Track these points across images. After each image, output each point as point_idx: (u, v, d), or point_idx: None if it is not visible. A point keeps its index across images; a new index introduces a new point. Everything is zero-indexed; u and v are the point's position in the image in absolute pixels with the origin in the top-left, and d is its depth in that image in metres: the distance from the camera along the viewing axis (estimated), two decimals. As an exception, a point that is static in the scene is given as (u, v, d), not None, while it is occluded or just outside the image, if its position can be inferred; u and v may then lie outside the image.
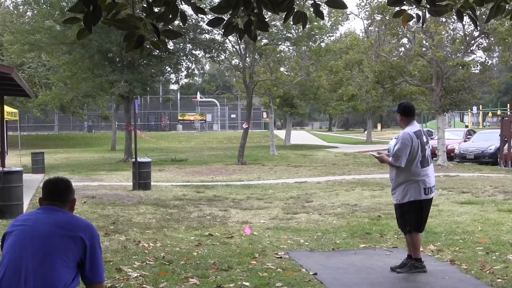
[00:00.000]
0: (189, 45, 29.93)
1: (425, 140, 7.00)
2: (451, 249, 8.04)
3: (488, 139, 26.95)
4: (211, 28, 26.53)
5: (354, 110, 50.59)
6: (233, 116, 70.65)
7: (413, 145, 6.81)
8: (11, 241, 3.52)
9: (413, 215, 6.91)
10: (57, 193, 3.73)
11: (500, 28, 23.10)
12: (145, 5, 3.83)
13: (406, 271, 6.91)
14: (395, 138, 32.14)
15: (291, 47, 32.43)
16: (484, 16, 20.70)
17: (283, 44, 30.89)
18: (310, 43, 30.60)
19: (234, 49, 29.87)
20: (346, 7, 3.99)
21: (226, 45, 29.73)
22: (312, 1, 4.01)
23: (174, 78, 34.53)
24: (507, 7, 4.24)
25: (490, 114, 68.19)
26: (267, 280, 6.50)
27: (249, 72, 27.80)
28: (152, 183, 16.17)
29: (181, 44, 29.53)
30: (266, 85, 32.74)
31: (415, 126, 7.05)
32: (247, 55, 28.18)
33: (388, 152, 7.17)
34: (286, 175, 20.68)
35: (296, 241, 8.73)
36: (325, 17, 30.21)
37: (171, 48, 29.29)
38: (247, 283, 6.37)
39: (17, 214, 9.22)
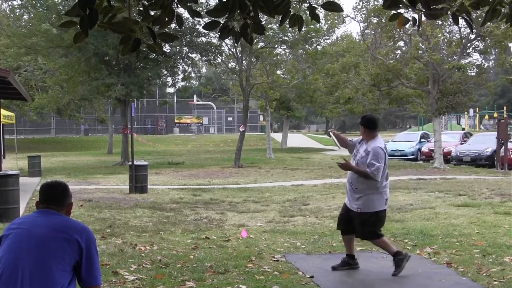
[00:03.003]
0: (186, 48, 29.93)
1: None
2: (447, 251, 8.05)
3: (484, 142, 27.00)
4: (208, 31, 26.56)
5: (350, 113, 50.52)
6: (229, 119, 70.63)
7: (386, 159, 6.99)
8: (7, 244, 3.52)
9: (373, 224, 7.06)
10: (54, 196, 3.72)
11: (496, 31, 23.16)
12: (141, 9, 3.84)
13: (398, 270, 6.96)
14: (392, 140, 31.99)
15: (287, 50, 32.45)
16: (480, 19, 20.75)
17: (279, 47, 30.92)
18: (307, 46, 30.61)
19: (230, 52, 29.89)
20: (342, 10, 4.00)
21: (222, 48, 29.74)
22: (308, 4, 4.01)
23: (171, 81, 34.53)
24: (503, 10, 4.26)
25: (486, 116, 68.30)
26: (263, 283, 6.49)
27: (246, 75, 27.81)
28: (148, 186, 16.16)
29: (178, 47, 29.52)
30: (263, 88, 32.76)
31: (381, 140, 7.20)
32: (244, 58, 28.19)
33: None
34: (283, 178, 20.68)
35: (292, 244, 8.73)
36: (321, 20, 30.29)
37: (168, 51, 29.28)
38: (243, 286, 6.37)
39: (13, 218, 9.21)
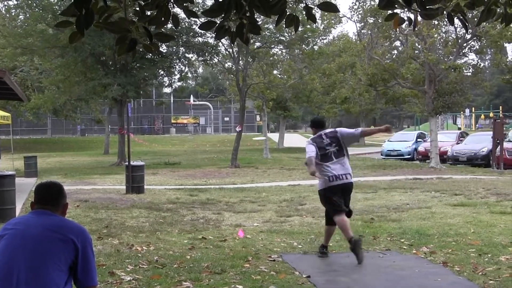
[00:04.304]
0: (182, 48, 29.90)
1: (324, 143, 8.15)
2: (443, 251, 8.06)
3: (480, 141, 27.07)
4: (204, 32, 26.54)
5: (347, 112, 50.71)
6: (226, 119, 70.62)
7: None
8: (3, 245, 3.51)
9: None
10: (49, 197, 3.71)
11: (492, 31, 23.21)
12: (137, 9, 3.83)
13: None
14: (389, 140, 32.13)
15: (284, 50, 32.43)
16: (476, 19, 20.78)
17: (276, 47, 30.90)
18: (303, 46, 30.60)
19: (227, 52, 29.87)
20: (338, 11, 4.00)
21: (219, 48, 29.75)
22: (304, 5, 4.02)
23: (167, 81, 34.49)
24: (498, 10, 4.26)
25: (482, 116, 68.42)
26: (260, 283, 6.50)
27: (242, 75, 27.80)
28: (145, 187, 16.15)
29: (174, 47, 29.51)
30: (259, 88, 32.75)
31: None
32: (240, 58, 28.18)
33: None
34: (280, 178, 20.68)
35: (289, 244, 8.74)
36: (317, 20, 30.28)
37: (164, 51, 29.26)
38: (240, 286, 6.37)
39: (9, 218, 9.18)
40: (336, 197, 7.87)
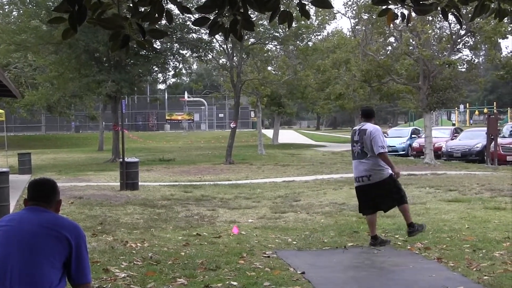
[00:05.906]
0: (176, 44, 29.84)
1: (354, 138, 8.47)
2: (438, 247, 8.08)
3: (474, 137, 27.13)
4: (198, 28, 26.49)
5: (341, 109, 50.65)
6: (220, 115, 70.58)
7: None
8: (-4, 242, 3.50)
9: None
10: (42, 194, 3.70)
11: (486, 27, 23.24)
12: (130, 5, 3.82)
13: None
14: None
15: (278, 46, 32.42)
16: (470, 15, 20.81)
17: (270, 43, 30.89)
18: (298, 42, 30.60)
19: (221, 48, 29.84)
20: (332, 7, 3.99)
21: (213, 44, 29.70)
22: (298, 1, 4.00)
23: (162, 78, 34.49)
24: (491, 6, 4.26)
25: (477, 112, 68.53)
26: (255, 280, 6.50)
27: (237, 71, 27.78)
28: (139, 183, 16.11)
29: (168, 43, 29.45)
30: (254, 84, 32.74)
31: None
32: (235, 55, 28.15)
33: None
34: (274, 174, 20.68)
35: (284, 240, 8.74)
36: (312, 16, 30.25)
37: (158, 47, 29.20)
38: (235, 283, 6.37)
39: (3, 215, 9.13)
40: (359, 197, 8.58)
